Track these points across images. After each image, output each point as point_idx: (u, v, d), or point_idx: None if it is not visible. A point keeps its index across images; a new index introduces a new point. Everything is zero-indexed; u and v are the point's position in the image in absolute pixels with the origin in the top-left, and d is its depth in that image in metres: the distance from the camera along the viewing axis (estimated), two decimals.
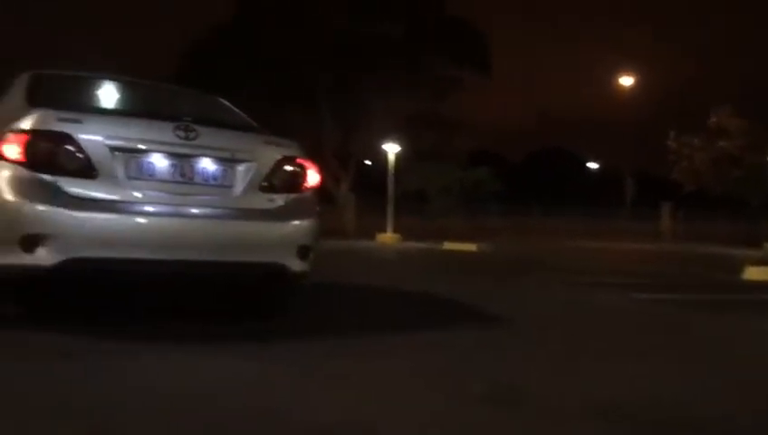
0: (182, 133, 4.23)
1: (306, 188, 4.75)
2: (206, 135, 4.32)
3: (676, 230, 32.53)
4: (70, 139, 3.95)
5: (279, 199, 4.54)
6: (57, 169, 3.94)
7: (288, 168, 4.64)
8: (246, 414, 2.94)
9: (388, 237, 25.58)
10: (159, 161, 4.20)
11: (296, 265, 4.51)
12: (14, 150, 3.88)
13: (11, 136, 3.91)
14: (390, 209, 26.59)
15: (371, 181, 30.87)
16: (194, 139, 4.25)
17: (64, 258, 3.85)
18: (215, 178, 4.36)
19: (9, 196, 3.87)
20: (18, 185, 3.87)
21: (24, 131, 3.91)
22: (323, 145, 30.44)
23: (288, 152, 4.70)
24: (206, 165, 4.34)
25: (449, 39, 29.42)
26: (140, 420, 2.78)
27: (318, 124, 29.80)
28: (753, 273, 11.64)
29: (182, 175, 4.26)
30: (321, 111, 29.69)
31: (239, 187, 4.43)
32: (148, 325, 4.75)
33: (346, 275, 10.62)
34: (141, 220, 4.05)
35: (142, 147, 4.15)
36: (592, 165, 69.88)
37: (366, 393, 3.43)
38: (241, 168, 4.44)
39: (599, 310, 7.50)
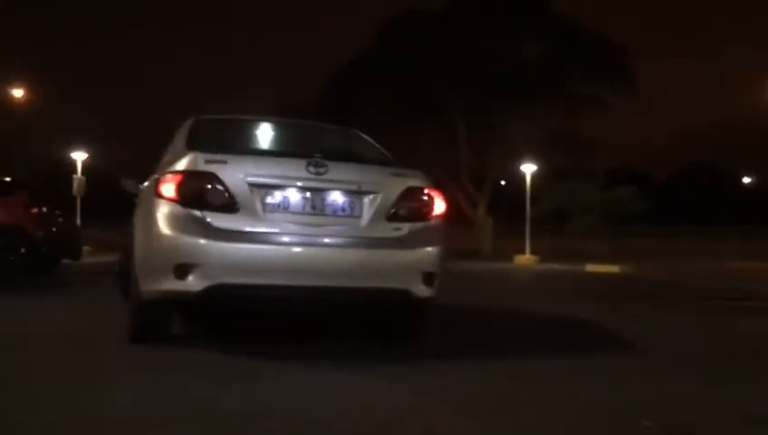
0: (313, 169, 4.55)
1: (432, 216, 4.87)
2: (336, 169, 4.60)
3: None
4: (215, 178, 4.42)
5: (405, 228, 4.72)
6: (205, 205, 4.41)
7: (413, 197, 4.81)
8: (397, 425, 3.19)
9: (526, 259, 25.11)
10: (293, 195, 4.55)
11: (421, 290, 4.69)
12: (169, 189, 4.43)
13: (168, 177, 4.49)
14: (528, 230, 26.11)
15: (508, 202, 30.51)
16: (324, 173, 4.56)
17: (210, 284, 4.33)
18: (343, 210, 4.64)
19: (165, 230, 4.42)
20: (172, 220, 4.41)
21: (177, 172, 4.46)
22: (459, 167, 30.47)
23: (414, 183, 4.85)
24: (336, 197, 4.62)
25: (589, 56, 28.68)
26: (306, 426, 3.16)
27: (454, 146, 29.91)
28: None
29: (313, 207, 4.57)
30: (457, 133, 29.80)
31: (366, 217, 4.67)
32: (293, 346, 5.19)
33: (484, 298, 10.47)
34: (277, 249, 4.44)
35: (277, 182, 4.52)
36: (746, 179, 65.08)
37: (518, 422, 3.36)
38: (367, 199, 4.68)
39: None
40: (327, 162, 4.57)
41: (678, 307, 9.98)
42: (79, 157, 23.12)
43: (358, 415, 3.33)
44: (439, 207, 4.90)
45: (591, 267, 21.02)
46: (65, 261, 14.38)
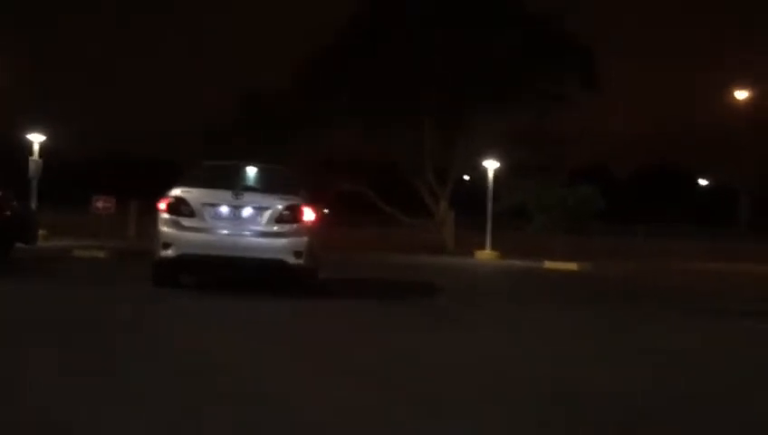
0: (234, 196, 8.87)
1: (302, 220, 8.86)
2: (248, 196, 8.94)
3: None
4: (184, 200, 8.79)
5: (285, 227, 8.79)
6: (178, 213, 8.75)
7: (291, 210, 8.83)
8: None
9: (486, 254, 25.31)
10: (224, 209, 8.88)
11: (292, 261, 8.73)
12: (163, 205, 8.82)
13: (163, 199, 8.83)
14: (489, 226, 26.31)
15: (471, 198, 30.64)
16: (241, 198, 8.88)
17: (179, 253, 8.72)
18: (251, 217, 8.85)
19: (160, 226, 8.77)
20: (163, 220, 8.77)
21: (167, 196, 8.83)
22: (423, 161, 30.51)
23: (293, 202, 8.90)
24: (247, 211, 8.87)
25: (554, 55, 28.89)
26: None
27: (420, 143, 29.92)
28: None
29: (234, 216, 8.86)
30: (423, 126, 29.80)
31: (263, 221, 8.83)
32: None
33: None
34: (213, 236, 8.78)
35: (215, 202, 8.85)
36: (703, 182, 66.48)
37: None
38: (265, 212, 8.83)
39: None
40: (244, 193, 8.93)
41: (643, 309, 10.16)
42: (36, 139, 22.55)
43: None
44: (308, 215, 8.89)
45: (550, 264, 21.29)
46: (20, 245, 14.10)
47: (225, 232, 8.73)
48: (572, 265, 20.87)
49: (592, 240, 27.96)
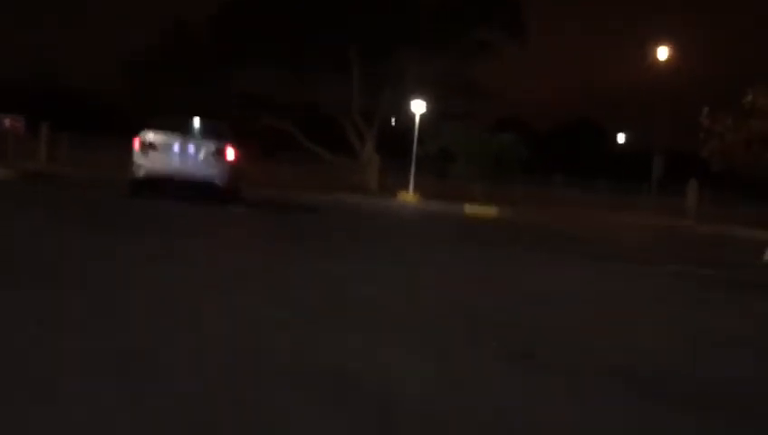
0: (183, 139, 12.85)
1: (226, 156, 12.77)
2: (192, 140, 12.90)
3: (702, 210, 32.07)
4: (151, 141, 12.67)
5: (213, 160, 12.71)
6: (147, 148, 12.58)
7: (218, 149, 12.75)
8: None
9: (408, 197, 25.58)
10: (175, 147, 12.76)
11: (218, 182, 12.67)
12: (137, 144, 12.70)
13: (136, 138, 12.75)
14: (413, 169, 26.51)
15: (397, 142, 30.68)
16: (187, 141, 12.83)
17: (147, 174, 12.57)
18: (193, 153, 12.79)
19: (134, 157, 12.70)
20: (137, 154, 12.67)
21: (139, 137, 12.71)
22: (351, 103, 30.27)
23: (218, 145, 12.79)
24: (191, 149, 12.81)
25: (486, 5, 28.89)
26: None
27: (348, 82, 29.60)
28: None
29: (183, 151, 12.75)
30: (351, 69, 29.45)
31: (201, 156, 12.78)
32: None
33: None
34: (170, 164, 12.64)
35: (171, 142, 12.74)
36: (621, 138, 68.66)
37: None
38: (202, 150, 12.77)
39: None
40: (189, 137, 12.90)
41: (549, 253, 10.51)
42: None
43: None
44: (230, 154, 12.79)
45: (470, 209, 21.70)
46: None
47: (177, 161, 12.58)
48: (491, 210, 21.35)
49: (513, 187, 28.60)
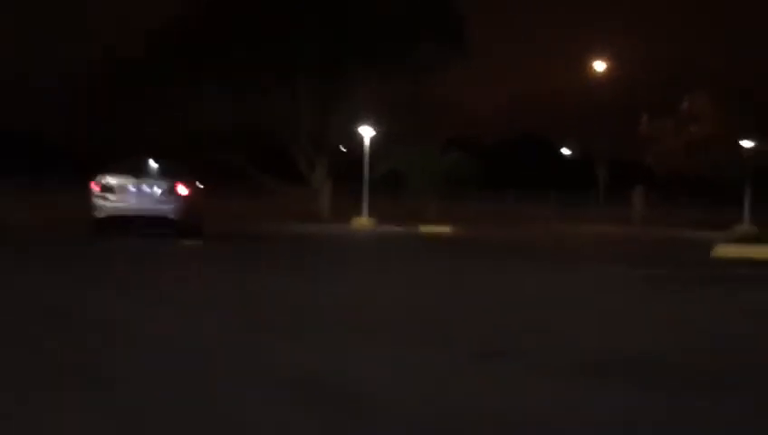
0: (138, 180, 13.59)
1: (178, 192, 13.52)
2: (146, 180, 13.67)
3: (649, 215, 32.93)
4: (109, 184, 13.44)
5: (167, 196, 13.45)
6: (105, 191, 13.34)
7: (171, 186, 13.49)
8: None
9: (363, 221, 25.56)
10: (131, 188, 13.50)
11: (172, 216, 13.32)
12: (96, 187, 13.47)
13: (94, 183, 13.55)
14: (366, 193, 26.58)
15: (348, 167, 30.72)
16: (142, 181, 13.62)
17: (106, 215, 13.24)
18: (148, 192, 13.54)
19: (94, 199, 13.39)
20: (96, 196, 13.39)
21: (98, 182, 13.49)
22: (299, 130, 30.26)
23: (170, 182, 13.52)
24: (147, 188, 13.56)
25: (434, 23, 29.29)
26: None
27: (296, 109, 29.61)
28: (719, 251, 12.15)
29: (139, 190, 13.53)
30: (299, 95, 29.49)
31: (156, 193, 13.53)
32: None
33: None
34: (127, 204, 13.43)
35: (126, 184, 13.46)
36: (566, 151, 70.12)
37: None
38: (157, 188, 13.54)
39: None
40: (143, 178, 13.68)
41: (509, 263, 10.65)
42: None
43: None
44: (181, 190, 13.53)
45: (425, 229, 21.83)
46: None
47: (133, 201, 13.48)
48: (446, 229, 21.51)
49: (466, 205, 28.89)
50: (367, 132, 27.10)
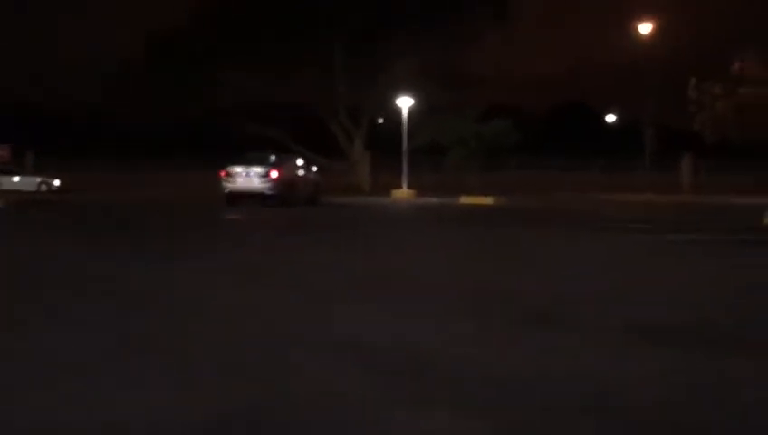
0: (246, 168, 19.07)
1: (270, 175, 18.77)
2: (251, 168, 19.05)
3: (698, 182, 31.98)
4: (229, 170, 19.18)
5: (263, 178, 18.81)
6: (228, 175, 19.13)
7: (265, 172, 18.83)
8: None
9: (403, 193, 25.43)
10: (243, 173, 19.06)
11: (267, 192, 18.78)
12: (223, 173, 19.30)
13: (221, 171, 19.42)
14: (405, 165, 26.39)
15: (387, 139, 30.51)
16: (248, 168, 19.06)
17: (228, 192, 19.08)
18: (252, 176, 18.94)
19: (223, 181, 19.23)
20: (224, 178, 19.19)
21: (224, 169, 19.32)
22: (337, 103, 30.13)
23: (265, 169, 18.87)
24: (251, 173, 18.99)
25: None
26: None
27: (332, 82, 29.46)
28: None
29: (247, 175, 19.00)
30: (335, 68, 29.31)
31: (257, 177, 18.89)
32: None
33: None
34: (240, 184, 19.03)
35: (239, 171, 19.11)
36: (611, 118, 68.57)
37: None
38: (257, 173, 18.94)
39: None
40: (249, 166, 19.07)
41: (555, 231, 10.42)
42: None
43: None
44: (273, 174, 18.73)
45: (466, 199, 21.59)
46: None
47: (243, 182, 18.58)
48: (488, 200, 21.24)
49: (508, 175, 28.46)
50: (405, 104, 26.83)
